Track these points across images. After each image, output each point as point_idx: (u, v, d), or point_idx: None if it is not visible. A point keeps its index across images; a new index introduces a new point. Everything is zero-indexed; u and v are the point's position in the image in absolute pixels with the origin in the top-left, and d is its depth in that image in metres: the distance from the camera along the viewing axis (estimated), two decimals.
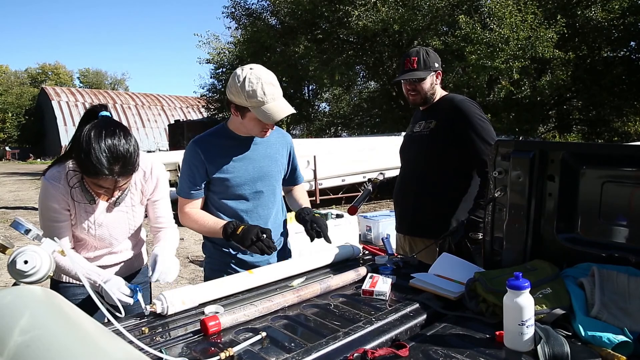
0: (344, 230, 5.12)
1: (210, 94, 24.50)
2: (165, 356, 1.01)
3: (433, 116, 2.16)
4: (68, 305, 0.91)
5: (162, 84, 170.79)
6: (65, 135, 37.13)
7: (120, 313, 1.31)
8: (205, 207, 1.81)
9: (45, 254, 1.12)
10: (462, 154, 2.06)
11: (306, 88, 22.30)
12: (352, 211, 2.13)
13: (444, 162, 2.10)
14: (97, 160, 1.31)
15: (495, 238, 1.61)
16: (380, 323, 1.21)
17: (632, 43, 15.22)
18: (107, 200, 1.55)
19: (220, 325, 1.17)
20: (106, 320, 1.11)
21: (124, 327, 1.09)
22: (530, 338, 1.06)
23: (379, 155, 9.44)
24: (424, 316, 1.28)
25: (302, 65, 16.77)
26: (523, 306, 1.05)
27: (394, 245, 2.10)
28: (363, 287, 1.45)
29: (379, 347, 1.09)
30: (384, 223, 5.85)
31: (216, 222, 1.72)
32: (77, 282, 1.62)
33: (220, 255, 1.83)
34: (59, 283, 1.64)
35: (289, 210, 2.02)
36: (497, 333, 1.12)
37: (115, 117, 1.50)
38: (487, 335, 1.14)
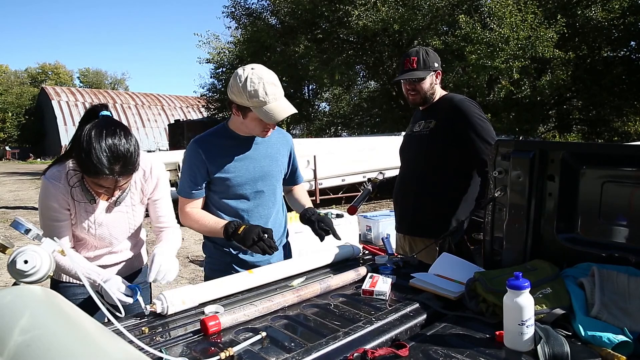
0: (344, 230, 5.12)
1: (210, 94, 24.50)
2: (165, 356, 1.01)
3: (433, 116, 2.16)
4: (68, 305, 0.91)
5: (162, 83, 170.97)
6: (65, 135, 37.12)
7: (120, 313, 1.31)
8: (205, 207, 1.81)
9: (45, 253, 1.12)
10: (462, 154, 2.06)
11: (306, 88, 22.30)
12: (352, 211, 2.13)
13: (443, 162, 2.10)
14: (98, 159, 1.31)
15: (495, 238, 1.61)
16: (380, 323, 1.21)
17: (632, 43, 15.22)
18: (107, 200, 1.55)
19: (220, 325, 1.17)
20: (106, 320, 1.11)
21: (124, 327, 1.09)
22: (530, 338, 1.06)
23: (379, 155, 9.44)
24: (424, 316, 1.28)
25: (302, 65, 16.76)
26: (523, 306, 1.05)
27: (394, 245, 2.10)
28: (363, 287, 1.45)
29: (379, 347, 1.09)
30: (384, 223, 5.85)
31: (217, 222, 1.72)
32: (77, 282, 1.62)
33: (220, 255, 1.83)
34: (59, 283, 1.64)
35: (289, 210, 2.02)
36: (497, 333, 1.12)
37: (115, 117, 1.50)
38: (487, 335, 1.14)
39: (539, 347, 1.03)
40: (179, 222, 1.77)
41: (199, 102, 37.31)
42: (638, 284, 1.18)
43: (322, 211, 5.74)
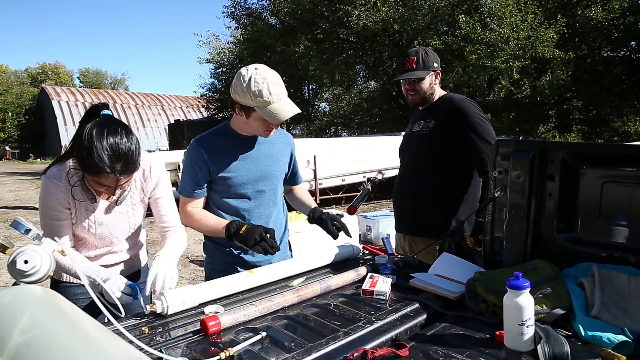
0: None
1: (210, 94, 24.52)
2: (165, 356, 1.01)
3: (432, 116, 2.16)
4: (68, 305, 0.91)
5: (162, 83, 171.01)
6: (66, 134, 37.11)
7: (121, 313, 1.31)
8: (206, 206, 1.81)
9: (46, 253, 1.12)
10: (462, 154, 2.06)
11: (306, 88, 22.32)
12: (352, 211, 2.14)
13: (443, 162, 2.10)
14: (99, 158, 1.31)
15: (495, 238, 1.61)
16: (380, 323, 1.21)
17: (632, 43, 15.23)
18: (107, 199, 1.55)
19: (220, 325, 1.17)
20: (106, 320, 1.11)
21: (124, 327, 1.09)
22: (531, 338, 1.06)
23: (379, 155, 9.44)
24: (424, 316, 1.28)
25: (302, 65, 16.78)
26: (523, 306, 1.05)
27: (394, 245, 2.10)
28: (363, 287, 1.45)
29: (379, 347, 1.09)
30: (384, 223, 5.85)
31: (218, 222, 1.72)
32: (78, 282, 1.62)
33: (221, 255, 1.83)
34: (60, 283, 1.64)
35: (289, 209, 2.02)
36: (497, 333, 1.12)
37: (116, 117, 1.50)
38: (487, 335, 1.14)
39: (539, 347, 1.03)
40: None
41: (199, 102, 37.31)
42: (638, 283, 1.18)
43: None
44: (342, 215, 1.85)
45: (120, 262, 1.69)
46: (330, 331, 1.16)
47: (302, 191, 2.07)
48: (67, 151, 1.50)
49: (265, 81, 1.57)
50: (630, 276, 1.21)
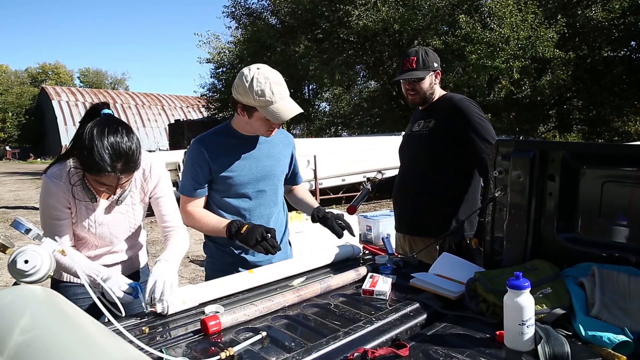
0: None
1: (210, 94, 24.51)
2: (165, 356, 1.01)
3: (432, 115, 2.16)
4: (68, 305, 0.91)
5: (162, 83, 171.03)
6: (66, 134, 37.11)
7: (121, 312, 1.31)
8: (206, 206, 1.81)
9: (46, 253, 1.12)
10: (462, 153, 2.06)
11: (306, 88, 22.30)
12: (351, 211, 2.14)
13: (443, 162, 2.10)
14: (100, 157, 1.31)
15: (495, 238, 1.61)
16: (380, 323, 1.21)
17: (632, 43, 15.22)
18: (107, 199, 1.55)
19: (220, 325, 1.17)
20: (106, 320, 1.11)
21: (124, 327, 1.09)
22: (531, 338, 1.06)
23: (379, 155, 9.44)
24: (424, 316, 1.28)
25: (303, 65, 16.78)
26: (523, 306, 1.05)
27: (394, 245, 2.10)
28: (363, 287, 1.45)
29: (379, 346, 1.09)
30: (384, 223, 5.85)
31: (219, 221, 1.72)
32: (78, 282, 1.62)
33: (222, 255, 1.83)
34: (60, 282, 1.64)
35: (289, 209, 2.02)
36: (498, 333, 1.12)
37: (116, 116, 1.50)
38: (488, 335, 1.14)
39: (539, 347, 1.03)
40: None
41: (199, 102, 37.30)
42: (638, 283, 1.18)
43: None
44: (342, 215, 1.85)
45: (119, 262, 1.69)
46: (331, 331, 1.16)
47: (303, 191, 2.08)
48: (68, 150, 1.50)
49: (267, 81, 1.57)
50: (631, 276, 1.21)
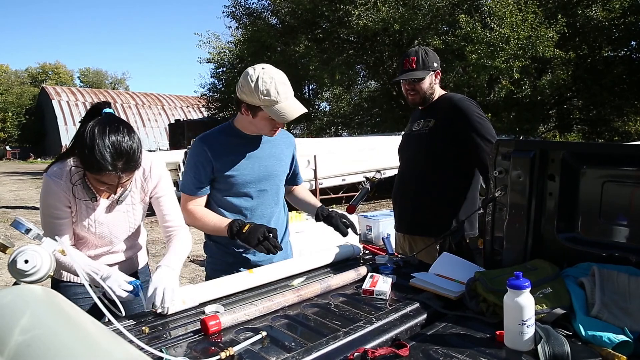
0: None
1: (210, 94, 24.50)
2: (165, 356, 1.01)
3: (432, 115, 2.16)
4: (69, 305, 0.91)
5: (163, 83, 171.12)
6: (66, 134, 37.11)
7: (121, 312, 1.31)
8: (207, 204, 1.81)
9: (46, 253, 1.12)
10: (461, 153, 2.06)
11: (306, 87, 22.29)
12: (351, 210, 2.14)
13: (443, 161, 2.10)
14: (101, 155, 1.31)
15: (495, 238, 1.61)
16: (380, 322, 1.21)
17: (632, 42, 15.21)
18: (108, 198, 1.55)
19: (220, 325, 1.17)
20: (106, 320, 1.11)
21: (124, 327, 1.09)
22: (531, 338, 1.06)
23: (380, 154, 9.44)
24: (425, 316, 1.28)
25: (303, 65, 16.78)
26: (523, 306, 1.05)
27: (394, 245, 2.10)
28: (363, 287, 1.45)
29: (380, 346, 1.09)
30: (384, 222, 5.85)
31: (221, 220, 1.72)
32: (78, 281, 1.63)
33: (222, 255, 1.83)
34: (60, 282, 1.64)
35: (290, 209, 2.02)
36: (498, 333, 1.12)
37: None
38: (488, 335, 1.14)
39: (539, 346, 1.03)
40: None
41: (199, 101, 37.26)
42: (638, 283, 1.18)
43: None
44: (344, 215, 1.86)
45: (120, 262, 1.69)
46: (331, 331, 1.16)
47: (304, 191, 2.08)
48: (69, 149, 1.50)
49: (272, 81, 1.58)
50: (631, 276, 1.21)
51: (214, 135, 1.77)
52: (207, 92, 24.68)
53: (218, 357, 1.01)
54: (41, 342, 0.69)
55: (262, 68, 1.61)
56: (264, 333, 1.14)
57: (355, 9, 14.15)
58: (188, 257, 5.54)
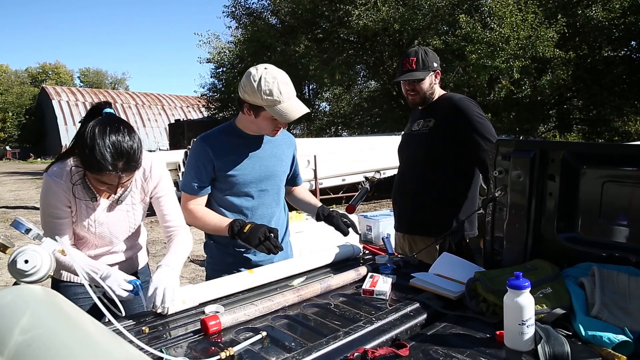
0: None
1: (210, 94, 24.51)
2: (165, 356, 1.01)
3: (432, 115, 2.16)
4: (69, 305, 0.91)
5: (163, 83, 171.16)
6: (66, 134, 37.12)
7: (121, 312, 1.31)
8: (207, 204, 1.81)
9: (46, 253, 1.12)
10: (461, 153, 2.06)
11: (306, 87, 22.28)
12: (350, 210, 2.14)
13: (443, 161, 2.10)
14: (101, 155, 1.31)
15: (495, 238, 1.61)
16: (380, 322, 1.21)
17: (632, 42, 15.21)
18: (108, 198, 1.55)
19: (220, 325, 1.17)
20: (106, 320, 1.11)
21: (124, 327, 1.09)
22: (531, 338, 1.06)
23: (379, 155, 9.44)
24: (425, 316, 1.28)
25: (303, 65, 16.77)
26: (523, 306, 1.05)
27: (393, 245, 2.10)
28: (363, 287, 1.45)
29: (380, 346, 1.09)
30: (384, 222, 5.85)
31: (221, 220, 1.72)
32: (79, 281, 1.63)
33: (223, 255, 1.83)
34: (60, 282, 1.64)
35: (289, 209, 2.02)
36: (498, 333, 1.12)
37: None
38: (488, 335, 1.14)
39: (539, 346, 1.03)
40: None
41: (199, 101, 37.27)
42: (638, 283, 1.18)
43: None
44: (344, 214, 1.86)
45: (120, 262, 1.69)
46: (331, 331, 1.16)
47: (304, 191, 2.08)
48: (69, 149, 1.50)
49: (275, 81, 1.58)
50: (631, 276, 1.21)
51: (215, 135, 1.77)
52: (207, 92, 24.69)
53: (218, 357, 1.01)
54: (41, 342, 0.69)
55: (265, 68, 1.62)
56: (264, 333, 1.14)
57: (355, 9, 14.15)
58: (188, 257, 5.53)
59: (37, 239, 1.17)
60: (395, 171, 2.39)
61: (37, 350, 0.67)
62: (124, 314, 1.32)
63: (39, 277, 1.10)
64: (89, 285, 1.17)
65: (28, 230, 1.17)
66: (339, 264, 1.78)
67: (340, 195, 9.94)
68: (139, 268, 1.80)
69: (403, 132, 2.40)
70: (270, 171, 1.80)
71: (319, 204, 1.95)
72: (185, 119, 34.24)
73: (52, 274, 1.14)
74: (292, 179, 2.02)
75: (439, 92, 2.21)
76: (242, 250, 1.80)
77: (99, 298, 1.15)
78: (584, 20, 14.28)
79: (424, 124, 2.18)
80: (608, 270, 1.24)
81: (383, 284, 1.44)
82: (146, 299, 1.35)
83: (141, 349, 1.00)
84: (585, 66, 15.51)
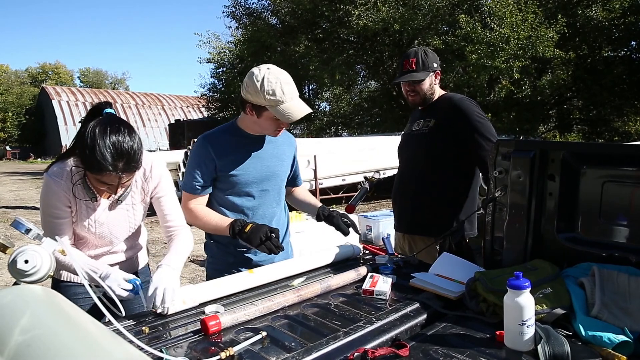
0: None
1: (210, 94, 24.52)
2: (165, 356, 1.01)
3: (432, 115, 2.16)
4: (69, 305, 0.91)
5: (163, 83, 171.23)
6: (66, 134, 37.12)
7: (121, 312, 1.31)
8: (207, 203, 1.81)
9: (46, 253, 1.12)
10: (461, 153, 2.06)
11: (306, 87, 22.30)
12: (350, 210, 2.15)
13: (443, 161, 2.10)
14: (102, 156, 1.31)
15: (495, 238, 1.61)
16: (380, 323, 1.21)
17: (632, 43, 15.22)
18: (108, 198, 1.55)
19: (220, 325, 1.17)
20: (106, 320, 1.11)
21: (124, 327, 1.09)
22: (531, 338, 1.06)
23: (379, 155, 9.44)
24: (425, 316, 1.28)
25: (303, 65, 16.78)
26: (523, 306, 1.05)
27: (393, 245, 2.10)
28: (363, 287, 1.45)
29: (380, 346, 1.09)
30: (384, 223, 5.85)
31: (222, 220, 1.72)
32: (79, 281, 1.63)
33: (223, 255, 1.83)
34: (60, 282, 1.64)
35: (290, 209, 2.02)
36: (498, 333, 1.12)
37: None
38: (488, 335, 1.14)
39: (539, 347, 1.03)
40: None
41: (199, 101, 37.29)
42: (638, 283, 1.18)
43: None
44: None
45: (120, 262, 1.69)
46: (331, 331, 1.16)
47: (304, 192, 2.09)
48: (70, 149, 1.50)
49: (278, 81, 1.59)
50: (631, 276, 1.21)
51: (217, 135, 1.77)
52: (207, 92, 24.71)
53: (218, 357, 1.01)
54: (41, 342, 0.69)
55: (268, 68, 1.62)
56: (264, 333, 1.14)
57: (355, 9, 14.16)
58: (188, 257, 5.52)
59: (37, 239, 1.17)
60: (395, 171, 2.39)
61: (37, 350, 0.67)
62: (124, 314, 1.32)
63: (39, 277, 1.10)
64: (89, 285, 1.17)
65: (28, 230, 1.17)
66: (339, 264, 1.78)
67: (340, 195, 9.94)
68: (139, 268, 1.80)
69: (403, 132, 2.40)
70: (271, 171, 1.81)
71: (319, 204, 1.95)
72: (185, 119, 34.25)
73: (52, 274, 1.14)
74: (293, 180, 2.02)
75: (439, 92, 2.21)
76: (243, 250, 1.80)
77: (99, 298, 1.15)
78: (584, 21, 14.29)
79: (424, 124, 2.17)
80: (608, 270, 1.24)
81: (383, 284, 1.44)
82: (146, 298, 1.35)
83: (141, 349, 1.00)
84: (585, 66, 15.52)
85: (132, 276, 1.45)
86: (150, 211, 1.69)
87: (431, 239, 2.03)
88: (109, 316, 1.08)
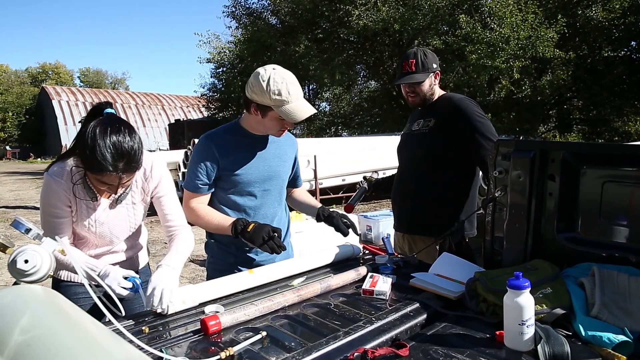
0: None
1: (210, 94, 24.52)
2: (165, 356, 1.01)
3: (432, 115, 2.16)
4: (69, 305, 0.91)
5: (163, 83, 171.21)
6: (66, 134, 37.12)
7: (121, 312, 1.31)
8: (209, 202, 1.81)
9: (46, 253, 1.12)
10: (461, 153, 2.06)
11: (306, 87, 22.28)
12: (349, 209, 2.15)
13: (443, 161, 2.10)
14: (102, 156, 1.31)
15: (495, 238, 1.61)
16: (380, 322, 1.21)
17: (632, 43, 15.20)
18: (108, 198, 1.55)
19: (220, 325, 1.17)
20: (106, 320, 1.11)
21: (124, 327, 1.09)
22: (531, 338, 1.06)
23: (380, 154, 9.45)
24: (424, 316, 1.28)
25: (303, 65, 16.76)
26: (523, 306, 1.05)
27: (394, 245, 2.10)
28: (363, 287, 1.45)
29: (379, 346, 1.09)
30: (384, 222, 5.85)
31: (224, 219, 1.72)
32: (79, 281, 1.63)
33: (224, 255, 1.83)
34: (60, 282, 1.64)
35: (290, 210, 2.02)
36: (498, 333, 1.12)
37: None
38: (488, 335, 1.14)
39: (539, 347, 1.03)
40: None
41: (199, 101, 37.27)
42: (638, 283, 1.18)
43: None
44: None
45: (119, 262, 1.69)
46: (331, 331, 1.16)
47: (304, 193, 2.09)
48: (70, 149, 1.50)
49: (284, 81, 1.59)
50: (631, 276, 1.21)
51: (220, 134, 1.77)
52: (207, 92, 24.71)
53: (218, 357, 1.01)
54: (41, 342, 0.69)
55: (273, 69, 1.63)
56: (264, 333, 1.14)
57: (355, 9, 14.15)
58: (188, 257, 5.52)
59: (37, 239, 1.17)
60: (395, 171, 2.39)
61: (37, 350, 0.67)
62: (124, 313, 1.32)
63: (39, 277, 1.10)
64: (89, 285, 1.17)
65: (28, 230, 1.17)
66: (339, 264, 1.78)
67: (340, 195, 9.93)
68: (140, 268, 1.80)
69: (402, 132, 2.40)
70: (273, 171, 1.81)
71: (319, 204, 1.95)
72: (185, 119, 34.26)
73: (52, 273, 1.14)
74: (293, 181, 2.02)
75: (438, 92, 2.21)
76: (245, 249, 1.80)
77: (99, 298, 1.15)
78: (584, 21, 14.28)
79: (424, 123, 2.17)
80: (608, 270, 1.24)
81: (383, 284, 1.44)
82: (145, 297, 1.35)
83: (141, 349, 1.00)
84: (585, 66, 15.52)
85: (132, 272, 1.45)
86: (151, 211, 1.68)
87: (431, 239, 2.03)
88: (109, 316, 1.08)
